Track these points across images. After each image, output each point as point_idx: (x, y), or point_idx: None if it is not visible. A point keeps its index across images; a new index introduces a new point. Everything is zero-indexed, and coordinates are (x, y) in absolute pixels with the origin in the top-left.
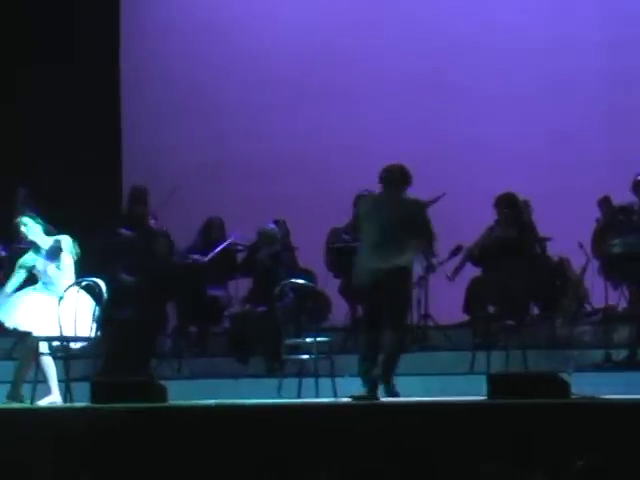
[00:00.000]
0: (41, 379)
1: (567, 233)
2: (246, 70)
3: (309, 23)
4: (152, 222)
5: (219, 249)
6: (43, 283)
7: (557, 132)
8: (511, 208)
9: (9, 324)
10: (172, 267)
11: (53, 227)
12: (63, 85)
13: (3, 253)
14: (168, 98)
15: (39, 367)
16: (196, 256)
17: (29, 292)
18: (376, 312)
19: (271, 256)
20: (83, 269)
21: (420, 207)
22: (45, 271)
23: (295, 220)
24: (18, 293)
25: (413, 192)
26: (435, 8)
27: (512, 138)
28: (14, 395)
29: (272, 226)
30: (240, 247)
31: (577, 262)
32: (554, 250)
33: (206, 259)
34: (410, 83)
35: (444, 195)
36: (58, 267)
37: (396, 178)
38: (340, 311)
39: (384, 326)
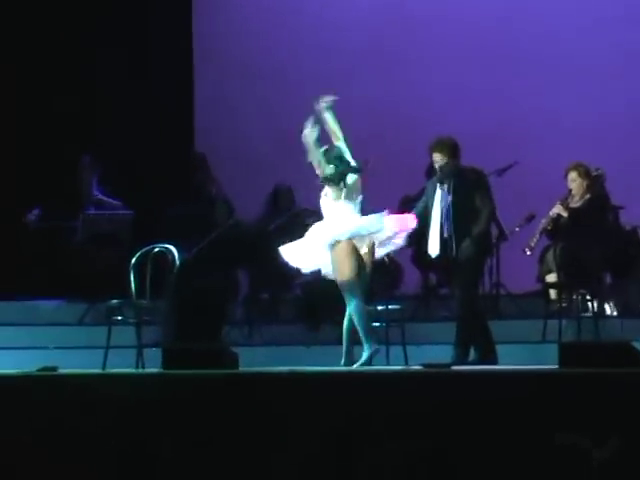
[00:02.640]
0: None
1: None
2: (317, 38)
3: None
4: (214, 190)
5: None
6: None
7: (631, 101)
8: (582, 178)
9: None
10: (243, 234)
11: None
12: (134, 51)
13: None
14: (241, 64)
15: None
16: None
17: None
18: None
19: None
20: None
21: None
22: None
23: (367, 189)
24: None
25: (487, 161)
26: None
27: (584, 107)
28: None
29: None
30: (309, 213)
31: None
32: (627, 219)
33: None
34: (481, 51)
35: (516, 164)
36: None
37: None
38: (412, 279)
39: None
